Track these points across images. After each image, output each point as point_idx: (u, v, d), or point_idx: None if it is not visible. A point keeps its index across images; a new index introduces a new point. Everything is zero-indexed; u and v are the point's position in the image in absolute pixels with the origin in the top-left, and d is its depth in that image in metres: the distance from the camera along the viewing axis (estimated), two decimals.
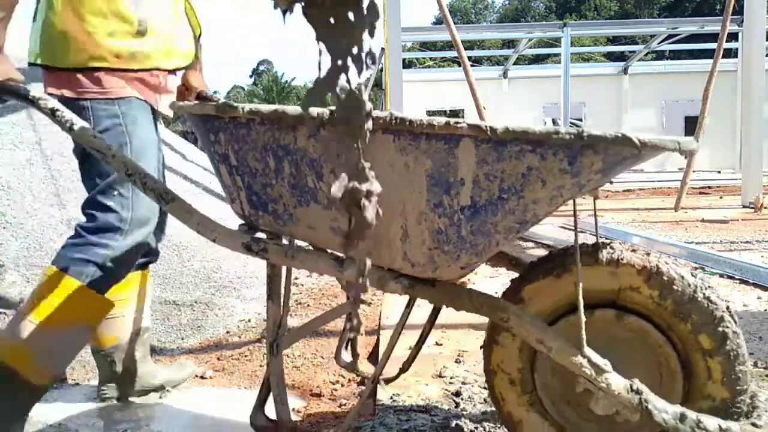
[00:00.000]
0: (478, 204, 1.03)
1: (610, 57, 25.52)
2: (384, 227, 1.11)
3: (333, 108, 0.59)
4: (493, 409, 1.64)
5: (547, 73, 15.35)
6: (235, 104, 1.19)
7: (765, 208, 6.08)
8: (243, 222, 1.32)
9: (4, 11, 1.48)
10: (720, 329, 1.12)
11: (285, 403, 1.37)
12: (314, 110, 1.08)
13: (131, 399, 2.01)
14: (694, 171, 6.50)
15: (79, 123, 1.44)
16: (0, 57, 1.49)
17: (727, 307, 1.13)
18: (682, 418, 1.04)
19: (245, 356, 2.34)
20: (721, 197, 7.68)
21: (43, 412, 1.94)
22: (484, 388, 1.82)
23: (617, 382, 1.08)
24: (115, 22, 1.60)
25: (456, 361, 2.06)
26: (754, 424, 1.04)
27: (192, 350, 2.49)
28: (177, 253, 3.25)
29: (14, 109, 3.70)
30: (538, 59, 22.50)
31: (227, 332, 2.68)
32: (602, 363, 1.10)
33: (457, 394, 1.78)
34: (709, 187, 8.92)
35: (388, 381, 1.74)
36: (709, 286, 1.16)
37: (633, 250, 1.21)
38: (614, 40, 23.11)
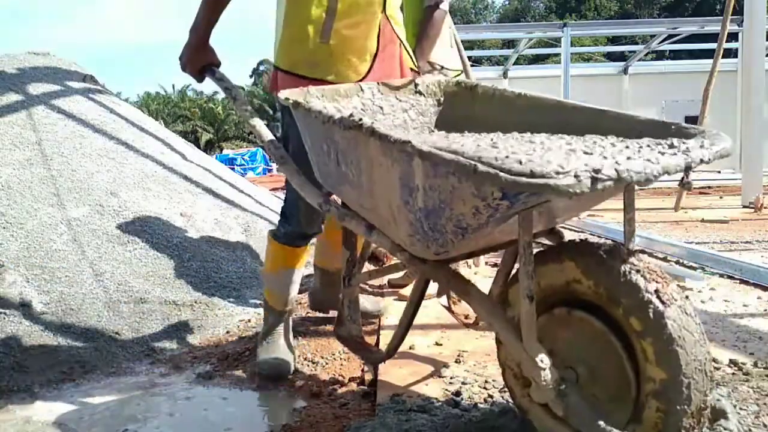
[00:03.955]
0: (428, 208, 1.18)
1: (610, 57, 25.48)
2: (382, 210, 1.35)
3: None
4: (493, 408, 1.64)
5: (547, 73, 15.31)
6: (302, 100, 1.50)
7: (765, 208, 6.07)
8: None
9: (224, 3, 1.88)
10: (646, 311, 1.13)
11: (356, 321, 1.78)
12: (336, 113, 1.36)
13: (132, 398, 2.01)
14: (694, 171, 6.49)
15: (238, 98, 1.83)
16: (207, 47, 1.90)
17: (656, 290, 1.14)
18: (595, 427, 1.11)
19: (245, 356, 2.34)
20: (721, 197, 7.67)
21: (43, 412, 1.95)
22: (484, 388, 1.82)
23: (548, 378, 1.15)
24: None
25: (456, 361, 2.06)
26: None
27: (192, 350, 2.49)
28: (177, 253, 3.25)
29: (14, 109, 3.70)
30: (538, 59, 22.48)
31: (227, 332, 2.68)
32: (538, 358, 1.16)
33: (457, 394, 1.78)
34: (709, 187, 8.88)
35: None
36: (637, 270, 1.16)
37: (578, 242, 1.27)
38: (614, 40, 23.08)
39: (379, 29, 1.93)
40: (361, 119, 1.28)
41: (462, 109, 1.77)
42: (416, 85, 1.80)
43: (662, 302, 1.14)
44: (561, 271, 1.26)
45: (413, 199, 1.20)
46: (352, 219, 1.52)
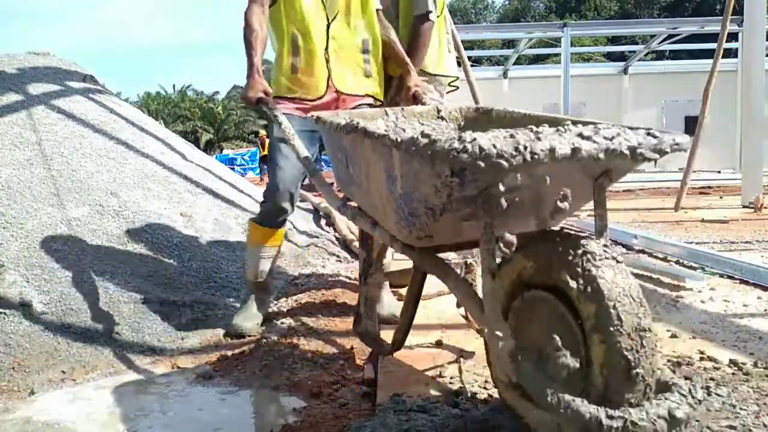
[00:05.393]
0: (405, 193, 1.33)
1: (610, 57, 25.47)
2: (377, 203, 1.51)
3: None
4: (493, 408, 1.64)
5: (547, 73, 15.33)
6: (322, 114, 1.75)
7: (765, 208, 6.07)
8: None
9: (262, 46, 2.43)
10: (574, 266, 1.18)
11: (373, 319, 1.98)
12: (342, 121, 1.54)
13: (132, 398, 2.01)
14: (694, 171, 6.47)
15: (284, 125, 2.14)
16: (258, 78, 2.34)
17: (585, 251, 1.19)
18: (546, 392, 1.14)
19: (245, 356, 2.34)
20: (721, 197, 7.68)
21: (43, 412, 1.95)
22: (485, 388, 1.82)
23: (505, 348, 1.22)
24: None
25: (456, 362, 2.06)
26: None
27: (192, 350, 2.49)
28: (177, 254, 3.25)
29: (14, 109, 3.71)
30: (538, 59, 22.50)
31: (227, 332, 2.68)
32: (498, 330, 1.22)
33: (457, 394, 1.78)
34: (709, 187, 8.88)
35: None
36: (575, 245, 1.19)
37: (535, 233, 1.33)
38: (614, 40, 23.09)
39: (327, 60, 2.53)
40: (357, 122, 1.45)
41: (479, 130, 1.83)
42: (438, 111, 2.06)
43: (588, 256, 1.19)
44: (516, 262, 1.31)
45: (395, 187, 1.35)
46: (361, 217, 1.72)
